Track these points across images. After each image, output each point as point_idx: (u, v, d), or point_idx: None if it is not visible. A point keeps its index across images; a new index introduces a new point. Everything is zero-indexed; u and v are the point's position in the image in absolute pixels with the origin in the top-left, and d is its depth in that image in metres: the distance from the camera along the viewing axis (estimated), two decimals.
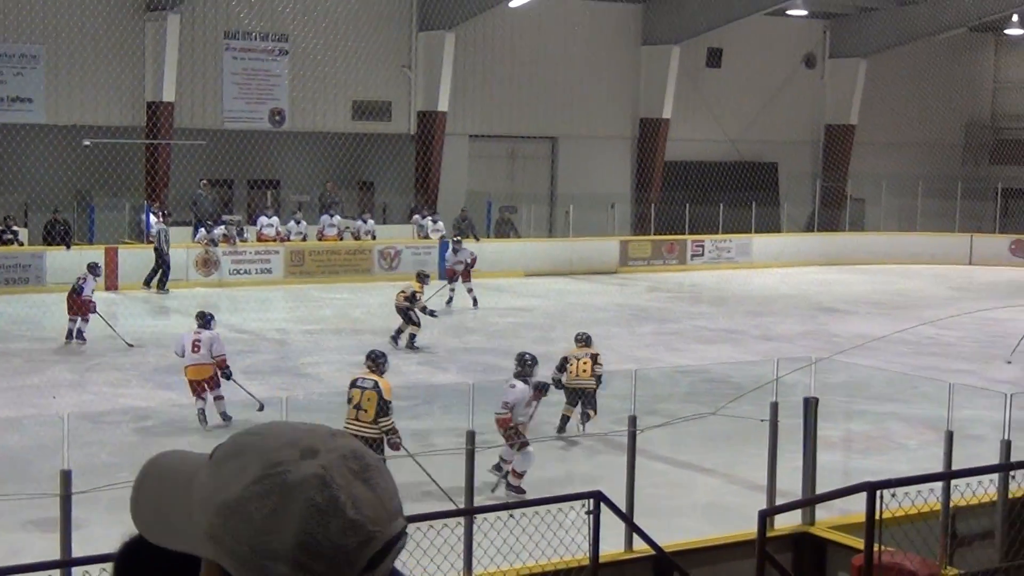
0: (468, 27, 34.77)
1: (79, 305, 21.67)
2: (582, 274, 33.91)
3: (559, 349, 22.79)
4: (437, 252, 32.49)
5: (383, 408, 12.97)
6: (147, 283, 28.34)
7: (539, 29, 36.45)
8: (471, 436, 9.71)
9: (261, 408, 15.82)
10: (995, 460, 9.77)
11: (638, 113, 38.88)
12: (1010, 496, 9.72)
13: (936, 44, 41.57)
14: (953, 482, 9.16)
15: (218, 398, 16.43)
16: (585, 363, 16.22)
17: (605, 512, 8.97)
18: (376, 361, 13.73)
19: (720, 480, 14.19)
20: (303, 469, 1.50)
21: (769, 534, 9.26)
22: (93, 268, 22.44)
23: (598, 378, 16.09)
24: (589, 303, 29.18)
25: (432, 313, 23.16)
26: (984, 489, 9.38)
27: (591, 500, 8.88)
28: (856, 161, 42.24)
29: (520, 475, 13.42)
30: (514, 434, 13.40)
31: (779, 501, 10.46)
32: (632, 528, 9.58)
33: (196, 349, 16.42)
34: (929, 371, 19.68)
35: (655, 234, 36.68)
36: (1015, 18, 40.30)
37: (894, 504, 7.96)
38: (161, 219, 28.63)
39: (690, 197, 37.04)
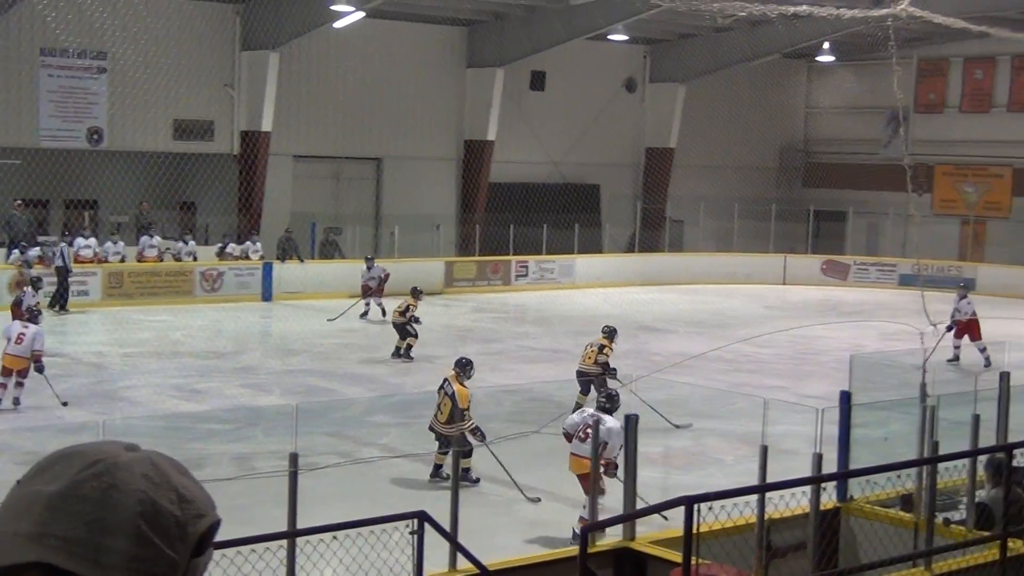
0: (292, 47, 34.52)
1: (19, 315, 22.94)
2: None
3: (383, 371, 22.85)
4: (260, 273, 32.16)
5: (455, 414, 14.38)
6: (60, 306, 28.24)
7: (364, 50, 36.37)
8: (294, 459, 9.63)
9: (65, 404, 17.95)
10: (807, 473, 10.06)
11: (463, 134, 39.09)
12: (821, 508, 10.02)
13: (751, 70, 42.75)
14: (767, 495, 9.39)
15: (19, 384, 17.89)
16: (592, 351, 18.13)
17: (429, 532, 8.99)
18: (464, 369, 14.91)
19: (544, 497, 14.33)
20: (131, 455, 1.59)
21: (591, 550, 9.38)
22: (35, 282, 23.71)
23: (603, 366, 17.84)
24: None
25: (417, 320, 24.13)
26: (797, 501, 9.67)
27: (415, 520, 8.89)
28: (675, 183, 43.15)
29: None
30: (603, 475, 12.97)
31: (601, 517, 10.62)
32: (456, 547, 9.62)
33: (20, 341, 17.80)
34: (745, 388, 20.22)
35: (480, 255, 36.90)
36: (826, 45, 41.69)
37: (711, 518, 8.14)
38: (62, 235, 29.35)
39: (514, 218, 37.36)
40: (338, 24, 33.62)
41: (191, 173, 33.79)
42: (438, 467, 14.70)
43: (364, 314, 29.48)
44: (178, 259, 31.86)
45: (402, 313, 24.06)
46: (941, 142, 43.22)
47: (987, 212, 42.46)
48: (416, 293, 24.86)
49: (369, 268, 29.64)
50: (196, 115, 33.96)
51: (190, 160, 33.78)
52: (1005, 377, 11.38)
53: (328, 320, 28.43)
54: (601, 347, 18.30)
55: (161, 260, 31.63)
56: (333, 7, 31.76)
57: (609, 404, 13.48)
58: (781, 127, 46.72)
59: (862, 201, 42.90)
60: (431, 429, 14.83)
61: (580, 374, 18.48)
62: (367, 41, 36.06)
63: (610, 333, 18.74)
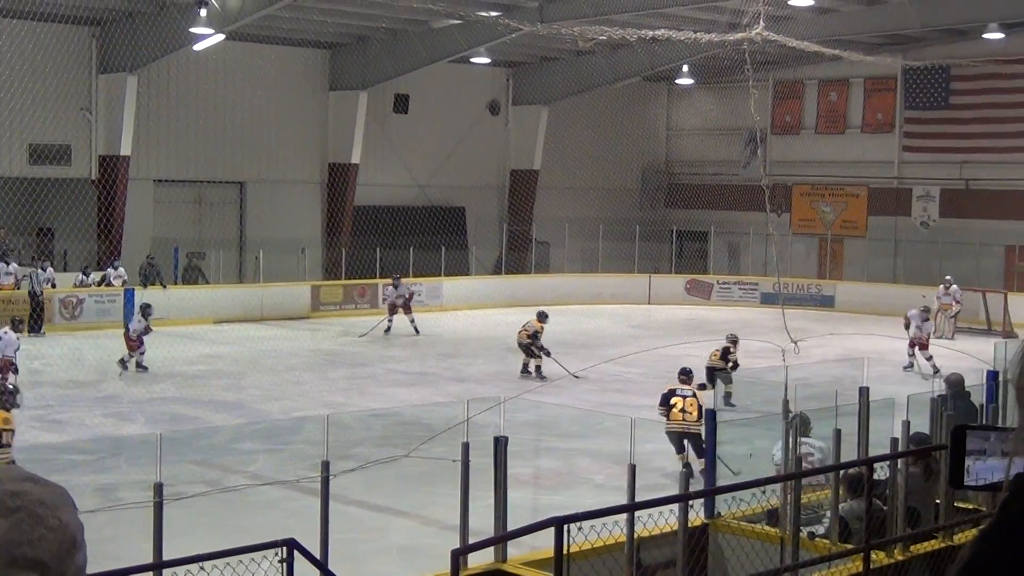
0: (151, 70, 34.01)
1: (129, 341, 24.87)
2: (273, 320, 33.56)
3: (249, 397, 22.57)
4: (121, 300, 31.54)
5: (703, 411, 15.46)
6: (35, 330, 28.88)
7: (225, 73, 35.99)
8: (159, 488, 9.46)
9: None
10: (675, 491, 10.18)
11: (327, 158, 38.90)
12: (689, 525, 10.14)
13: (613, 93, 43.27)
14: (636, 513, 9.47)
15: None
16: (716, 352, 22.13)
17: (299, 560, 8.89)
18: (688, 375, 17.10)
19: (414, 521, 14.28)
20: None
21: (462, 573, 9.37)
22: (144, 309, 25.43)
23: (733, 364, 21.77)
24: (281, 349, 28.90)
25: (548, 352, 24.75)
26: (665, 519, 9.77)
27: (284, 548, 8.78)
28: (540, 205, 43.45)
29: None
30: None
31: (472, 540, 10.61)
32: (326, 575, 9.53)
33: None
34: (612, 407, 20.37)
35: (346, 279, 36.71)
36: (685, 68, 42.42)
37: (581, 538, 8.19)
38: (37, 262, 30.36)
39: (380, 241, 37.25)
40: (198, 47, 33.21)
41: (48, 198, 33.04)
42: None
43: (387, 330, 31.08)
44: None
45: (529, 335, 24.84)
46: (798, 163, 44.18)
47: (844, 231, 43.47)
48: (542, 317, 25.43)
49: (396, 287, 31.63)
50: (52, 139, 33.25)
51: (47, 185, 33.02)
52: (864, 392, 11.64)
53: (360, 336, 30.45)
54: (726, 349, 22.13)
55: (17, 287, 30.84)
56: (193, 29, 31.33)
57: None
58: (643, 149, 47.31)
59: (723, 221, 43.64)
60: (681, 434, 16.01)
61: (709, 369, 21.43)
62: (228, 64, 35.70)
63: (735, 340, 22.38)
